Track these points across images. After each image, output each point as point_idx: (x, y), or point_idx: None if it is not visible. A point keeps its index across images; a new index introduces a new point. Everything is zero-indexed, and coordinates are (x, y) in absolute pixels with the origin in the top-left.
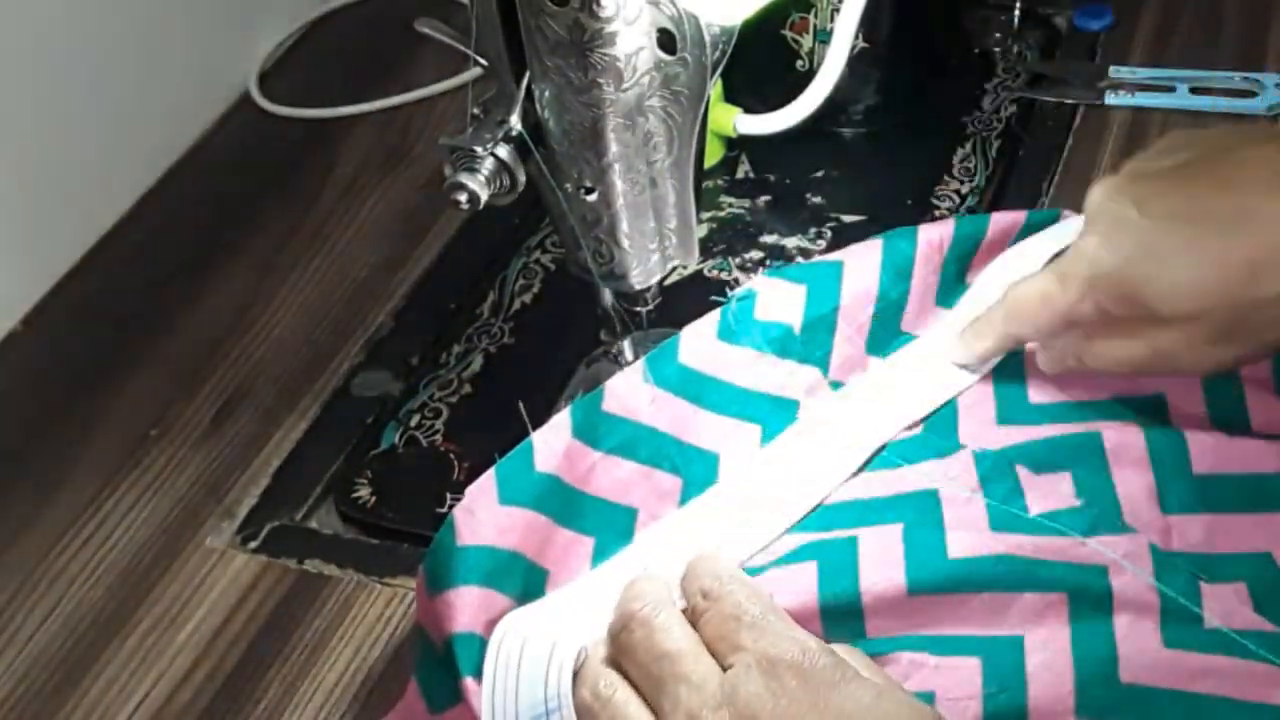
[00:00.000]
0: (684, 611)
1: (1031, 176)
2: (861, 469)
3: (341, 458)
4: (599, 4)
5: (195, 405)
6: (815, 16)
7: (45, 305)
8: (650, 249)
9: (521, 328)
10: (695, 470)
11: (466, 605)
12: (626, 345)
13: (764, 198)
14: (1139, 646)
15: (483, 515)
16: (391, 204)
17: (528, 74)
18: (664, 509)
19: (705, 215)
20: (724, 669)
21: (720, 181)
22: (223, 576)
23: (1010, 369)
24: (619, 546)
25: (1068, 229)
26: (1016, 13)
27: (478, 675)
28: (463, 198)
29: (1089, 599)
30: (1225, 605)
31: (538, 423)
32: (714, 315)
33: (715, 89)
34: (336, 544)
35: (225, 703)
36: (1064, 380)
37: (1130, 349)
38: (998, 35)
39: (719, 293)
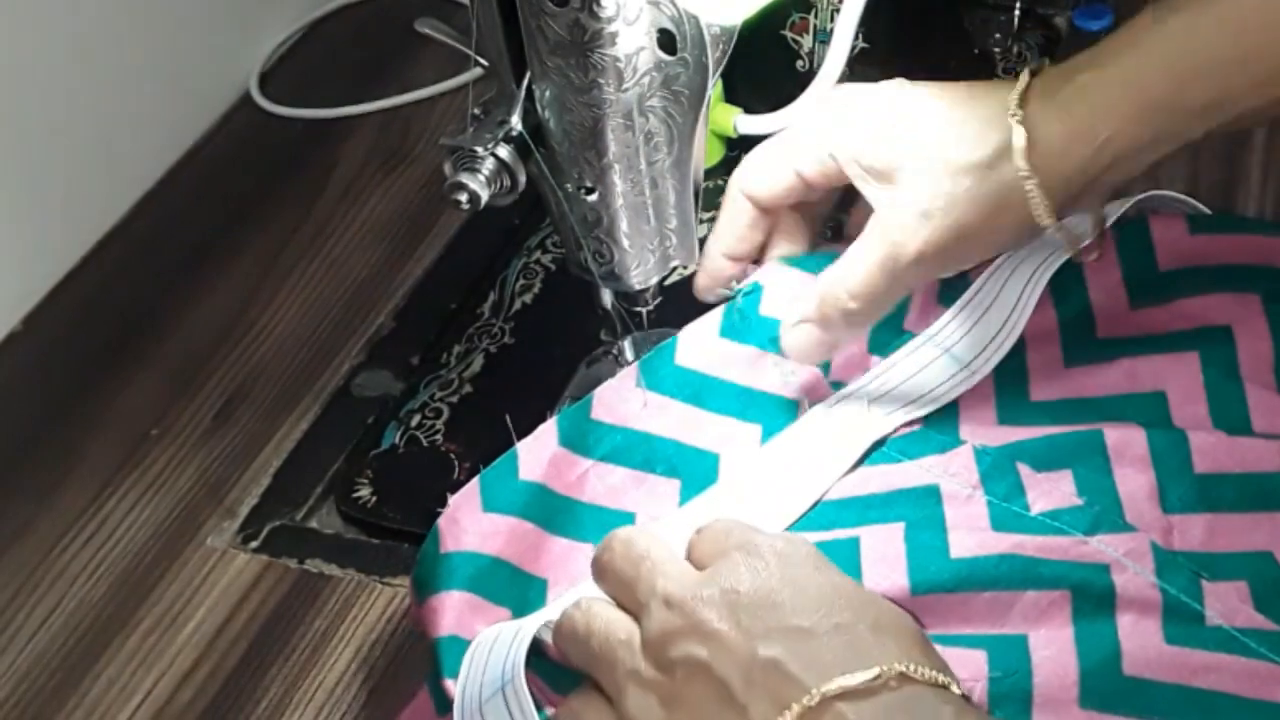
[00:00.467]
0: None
1: None
2: (860, 462)
3: (342, 458)
4: (599, 4)
5: (196, 405)
6: (815, 17)
7: (46, 305)
8: (650, 249)
9: (522, 328)
10: (694, 470)
11: (449, 609)
12: (626, 345)
13: None
14: (1141, 643)
15: (466, 523)
16: (392, 204)
17: (528, 74)
18: (662, 510)
19: (705, 215)
20: None
21: (720, 181)
22: (223, 576)
23: (1011, 368)
24: None
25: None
26: (1016, 13)
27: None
28: (463, 198)
29: (1091, 597)
30: (1227, 604)
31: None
32: (717, 313)
33: (715, 89)
34: (337, 544)
35: (226, 702)
36: (1065, 379)
37: (861, 261)
38: (998, 35)
39: None
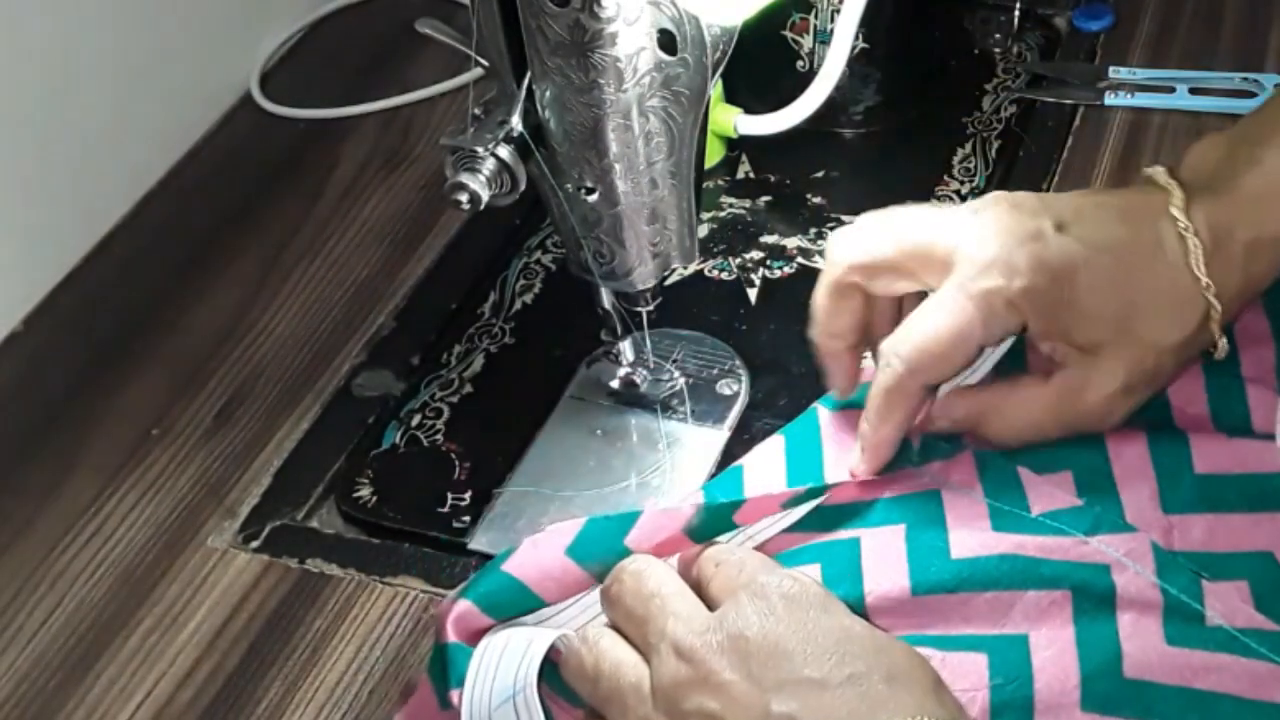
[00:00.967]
0: (692, 585)
1: (1031, 177)
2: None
3: (343, 457)
4: (600, 5)
5: (197, 405)
6: (815, 17)
7: (46, 306)
8: (651, 249)
9: (522, 328)
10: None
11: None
12: (627, 345)
13: (764, 198)
14: (1142, 644)
15: (546, 554)
16: (392, 204)
17: (528, 74)
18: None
19: (706, 215)
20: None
21: (720, 181)
22: (224, 576)
23: (1010, 371)
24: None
25: None
26: (1016, 13)
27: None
28: (464, 198)
29: (1092, 596)
30: (1227, 603)
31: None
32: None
33: (716, 89)
34: (338, 544)
35: (227, 702)
36: None
37: (1037, 402)
38: (998, 36)
39: (719, 292)
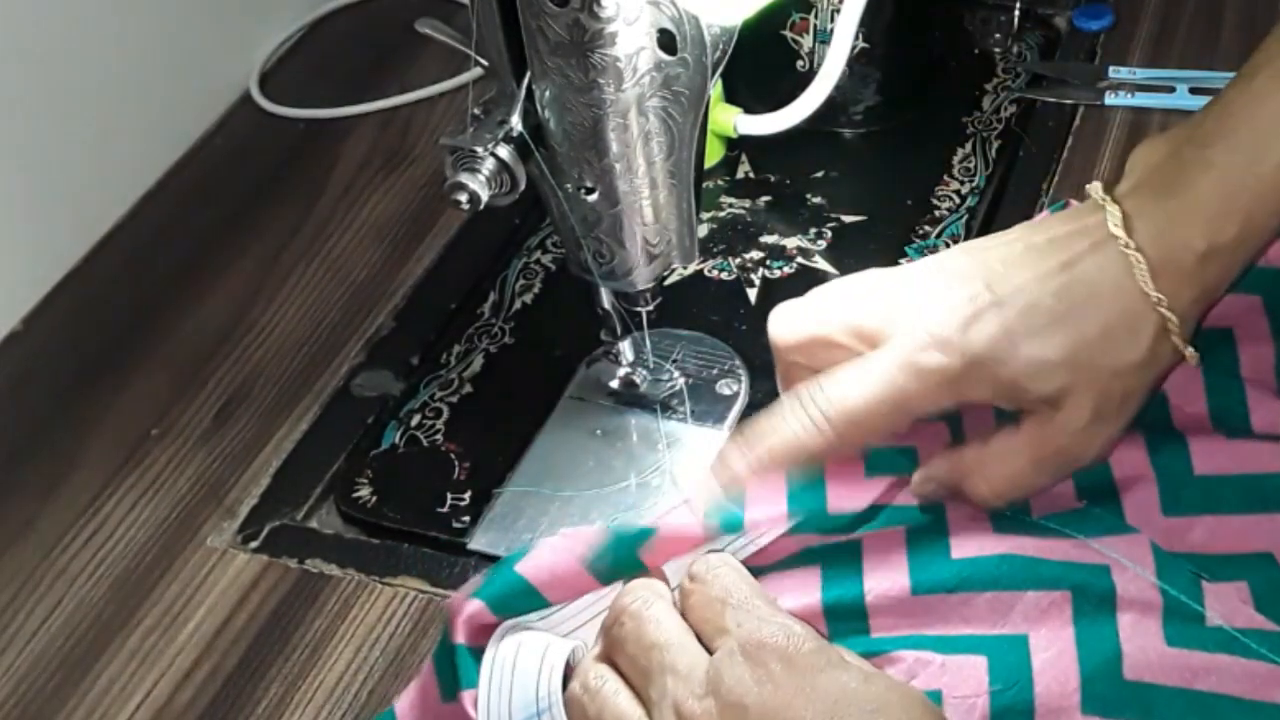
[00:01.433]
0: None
1: (1031, 177)
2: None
3: (342, 457)
4: (599, 4)
5: (196, 405)
6: (815, 17)
7: (46, 305)
8: (651, 249)
9: (522, 328)
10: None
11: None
12: (627, 345)
13: (764, 198)
14: (1142, 644)
15: (562, 559)
16: (392, 204)
17: (528, 74)
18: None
19: (705, 215)
20: (710, 653)
21: (720, 181)
22: (223, 576)
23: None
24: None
25: None
26: (1016, 13)
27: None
28: (463, 198)
29: (1092, 597)
30: (1227, 604)
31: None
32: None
33: (716, 89)
34: (337, 544)
35: (226, 702)
36: None
37: (1014, 455)
38: (998, 35)
39: (719, 292)
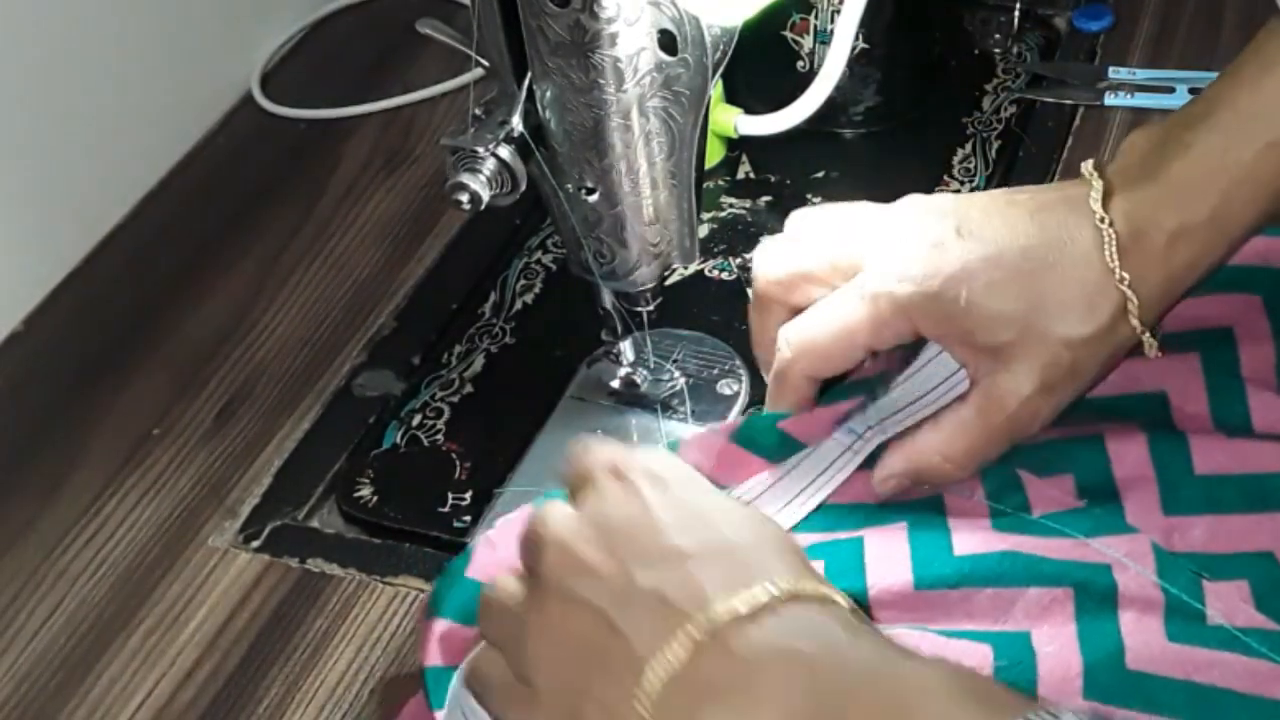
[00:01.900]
0: None
1: (1031, 177)
2: (863, 468)
3: (343, 457)
4: (600, 5)
5: (197, 405)
6: (816, 17)
7: (47, 306)
8: (651, 249)
9: (523, 327)
10: None
11: (442, 639)
12: (627, 345)
13: (764, 198)
14: (1145, 639)
15: (502, 552)
16: (393, 204)
17: (529, 75)
18: None
19: (706, 215)
20: None
21: (721, 182)
22: (225, 576)
23: None
24: None
25: None
26: (1016, 13)
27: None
28: (464, 198)
29: (1094, 594)
30: (1228, 603)
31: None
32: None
33: (716, 90)
34: (338, 543)
35: (227, 702)
36: None
37: (965, 427)
38: (998, 36)
39: (719, 292)
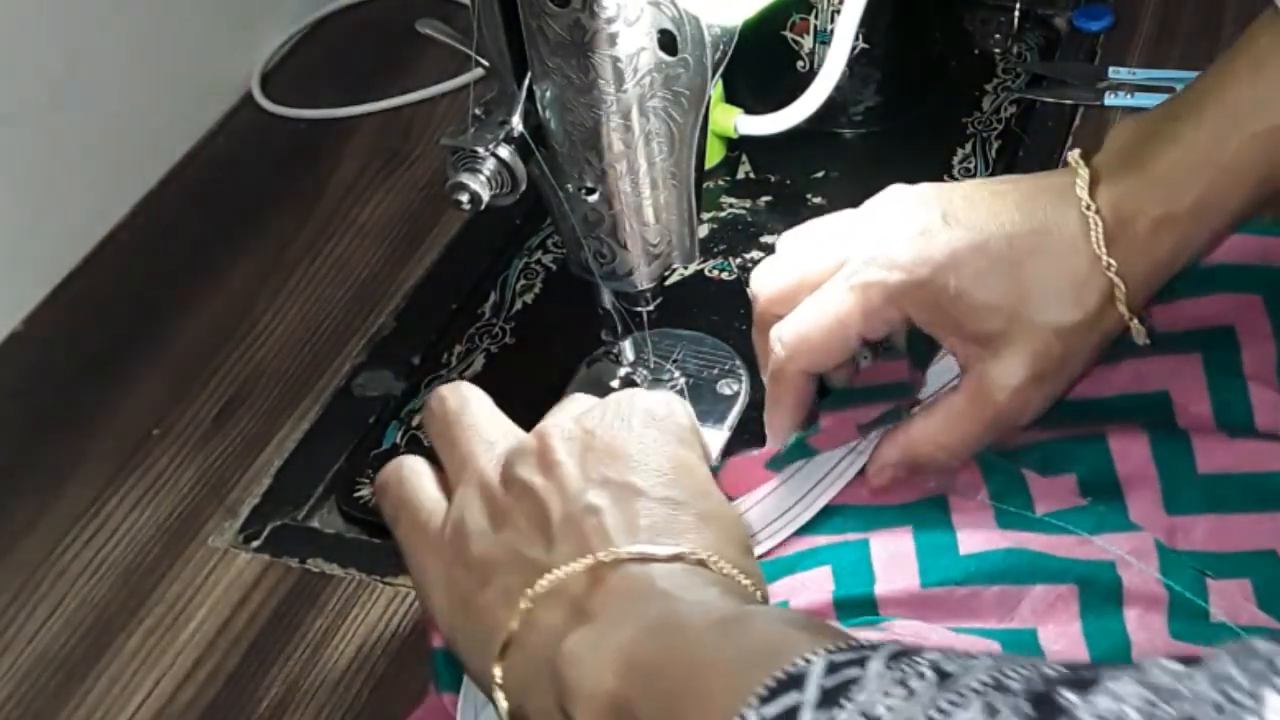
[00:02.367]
0: None
1: None
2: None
3: (344, 457)
4: (600, 5)
5: (197, 405)
6: (816, 17)
7: (47, 306)
8: (651, 249)
9: (523, 328)
10: None
11: None
12: (627, 345)
13: (764, 198)
14: (1149, 636)
15: None
16: (393, 204)
17: (529, 75)
18: None
19: (706, 215)
20: None
21: (721, 182)
22: (225, 576)
23: None
24: None
25: None
26: (1016, 13)
27: (455, 690)
28: (464, 198)
29: (1099, 591)
30: (1231, 601)
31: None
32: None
33: (716, 90)
34: (338, 543)
35: (227, 702)
36: None
37: (957, 416)
38: (997, 36)
39: (719, 292)
